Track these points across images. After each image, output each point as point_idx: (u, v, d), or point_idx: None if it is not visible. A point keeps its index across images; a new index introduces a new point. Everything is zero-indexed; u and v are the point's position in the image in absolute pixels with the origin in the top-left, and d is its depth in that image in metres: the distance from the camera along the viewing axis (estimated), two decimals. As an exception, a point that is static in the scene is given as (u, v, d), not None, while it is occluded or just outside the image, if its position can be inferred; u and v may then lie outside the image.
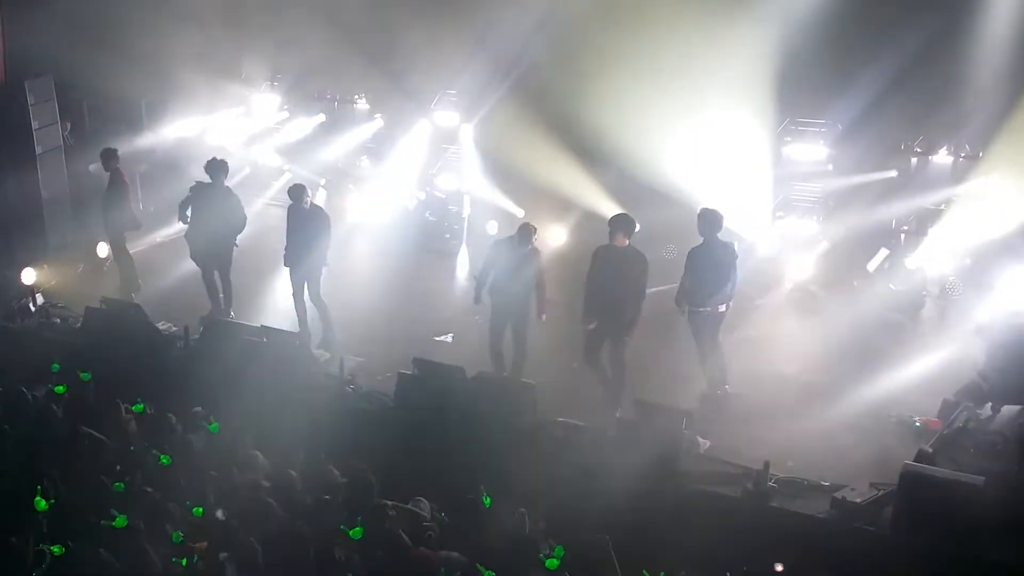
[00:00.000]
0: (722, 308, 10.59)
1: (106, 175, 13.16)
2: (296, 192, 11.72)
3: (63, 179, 14.37)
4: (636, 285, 10.13)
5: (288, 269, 11.92)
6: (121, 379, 10.35)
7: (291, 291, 11.97)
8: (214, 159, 12.29)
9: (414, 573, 7.23)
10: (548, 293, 10.78)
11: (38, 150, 13.80)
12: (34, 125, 13.70)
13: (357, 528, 7.45)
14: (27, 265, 12.78)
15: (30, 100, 13.59)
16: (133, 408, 9.54)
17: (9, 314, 12.26)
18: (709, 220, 10.41)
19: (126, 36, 14.84)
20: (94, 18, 14.11)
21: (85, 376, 10.22)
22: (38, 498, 7.54)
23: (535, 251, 10.69)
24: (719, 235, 10.45)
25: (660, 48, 13.09)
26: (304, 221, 11.73)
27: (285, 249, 11.87)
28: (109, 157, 13.08)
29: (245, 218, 12.36)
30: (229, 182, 12.34)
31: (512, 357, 10.89)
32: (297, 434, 9.52)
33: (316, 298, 11.84)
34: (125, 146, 15.93)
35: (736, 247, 10.68)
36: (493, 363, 10.88)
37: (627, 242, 10.16)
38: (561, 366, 11.25)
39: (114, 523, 7.30)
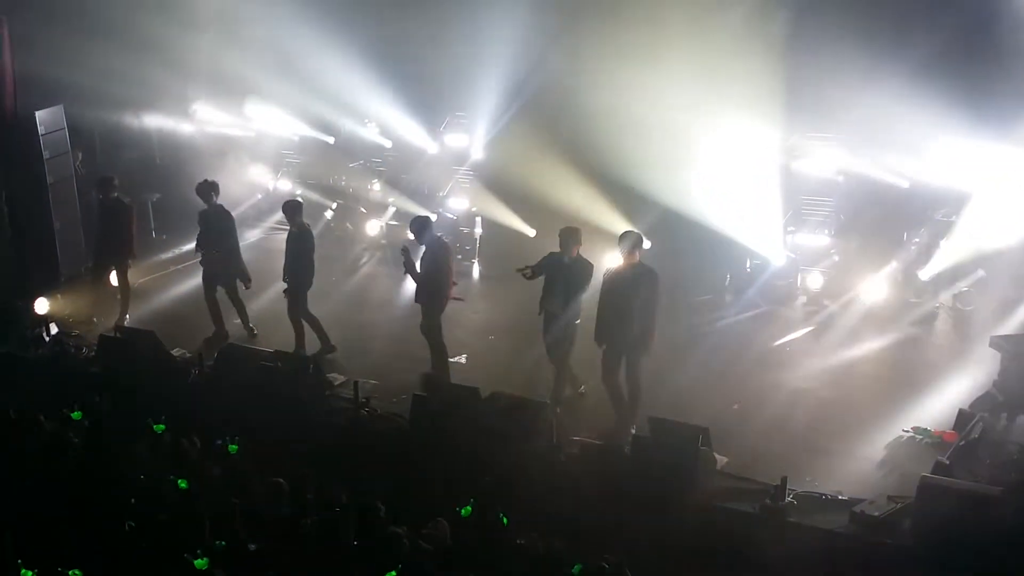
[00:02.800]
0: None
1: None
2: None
3: (75, 208, 14.44)
4: (648, 302, 10.11)
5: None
6: (137, 407, 10.32)
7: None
8: (204, 182, 12.45)
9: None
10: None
11: (49, 180, 13.88)
12: (45, 155, 13.76)
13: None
14: (40, 295, 12.87)
15: (41, 130, 13.67)
16: (155, 428, 9.55)
17: (23, 344, 12.30)
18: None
19: (136, 63, 14.95)
20: (103, 46, 14.20)
21: (76, 415, 9.94)
22: None
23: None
24: None
25: (669, 66, 13.11)
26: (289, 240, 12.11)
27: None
28: (106, 186, 13.03)
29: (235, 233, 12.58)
30: (246, 208, 12.48)
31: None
32: (312, 458, 9.54)
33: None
34: (138, 174, 16.18)
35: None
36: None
37: (637, 258, 10.16)
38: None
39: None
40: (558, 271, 10.52)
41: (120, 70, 14.54)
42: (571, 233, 10.48)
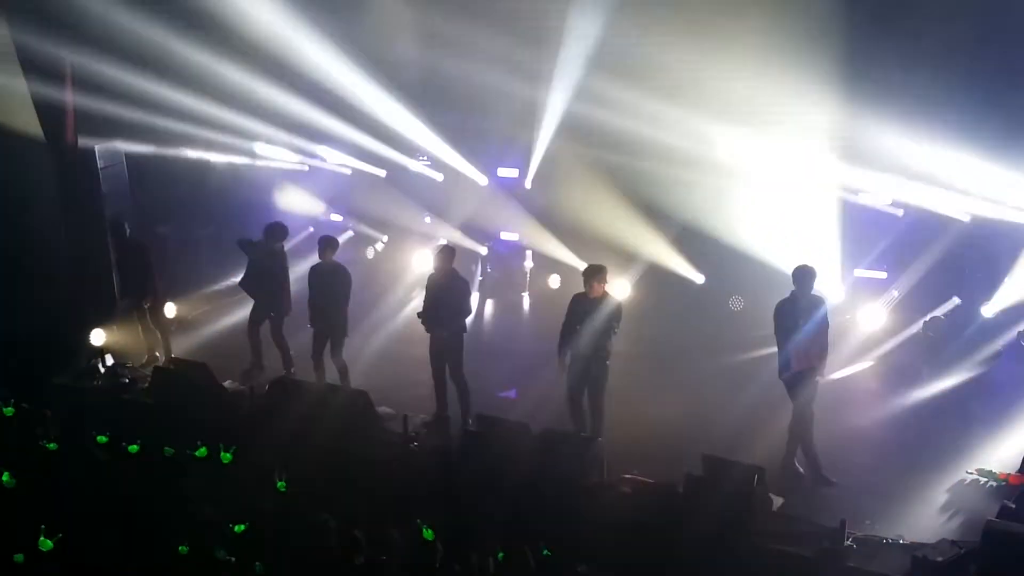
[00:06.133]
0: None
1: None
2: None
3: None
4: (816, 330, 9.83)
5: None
6: (188, 438, 10.36)
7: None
8: (276, 223, 12.43)
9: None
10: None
11: (107, 213, 14.01)
12: (103, 189, 13.95)
13: None
14: (96, 326, 12.99)
15: (100, 164, 13.89)
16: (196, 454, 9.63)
17: (79, 375, 12.42)
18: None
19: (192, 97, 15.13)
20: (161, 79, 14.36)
21: (133, 448, 9.93)
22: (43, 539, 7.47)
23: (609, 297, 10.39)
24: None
25: (724, 99, 12.98)
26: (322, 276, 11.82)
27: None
28: (118, 228, 13.00)
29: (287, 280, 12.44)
30: (299, 241, 12.43)
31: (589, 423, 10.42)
32: (362, 493, 9.48)
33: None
34: (190, 208, 16.29)
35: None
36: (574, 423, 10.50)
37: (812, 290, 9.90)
38: (629, 419, 11.06)
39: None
40: (583, 310, 10.31)
41: (176, 104, 14.67)
42: (594, 271, 10.29)
